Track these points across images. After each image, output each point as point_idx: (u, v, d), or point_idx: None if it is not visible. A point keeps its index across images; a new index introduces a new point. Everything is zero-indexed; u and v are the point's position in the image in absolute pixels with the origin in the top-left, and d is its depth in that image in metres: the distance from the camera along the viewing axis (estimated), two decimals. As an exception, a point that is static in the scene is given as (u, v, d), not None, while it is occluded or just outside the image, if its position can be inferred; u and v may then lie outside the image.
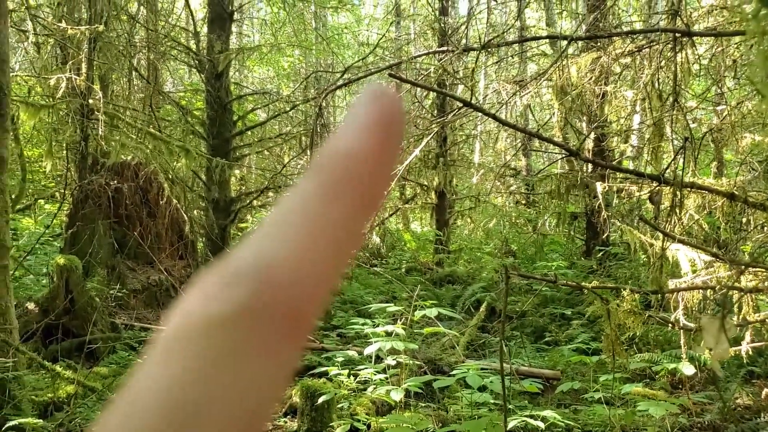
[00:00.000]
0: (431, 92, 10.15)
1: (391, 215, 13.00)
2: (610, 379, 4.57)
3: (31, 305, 5.79)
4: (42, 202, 10.93)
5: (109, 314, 6.05)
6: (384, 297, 8.42)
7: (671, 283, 3.82)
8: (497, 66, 11.52)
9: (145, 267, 6.82)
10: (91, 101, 6.72)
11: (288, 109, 10.74)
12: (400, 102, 0.24)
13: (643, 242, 4.86)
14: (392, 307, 4.50)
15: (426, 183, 11.66)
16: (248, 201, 9.77)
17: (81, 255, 6.22)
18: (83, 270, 5.99)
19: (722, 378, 5.00)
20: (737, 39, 3.99)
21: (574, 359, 5.37)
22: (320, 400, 3.98)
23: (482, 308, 7.87)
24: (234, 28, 11.17)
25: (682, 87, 3.91)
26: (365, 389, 4.57)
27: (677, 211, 3.57)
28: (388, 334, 4.20)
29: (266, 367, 0.20)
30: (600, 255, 8.53)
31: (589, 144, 7.82)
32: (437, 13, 11.25)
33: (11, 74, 4.24)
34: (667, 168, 3.38)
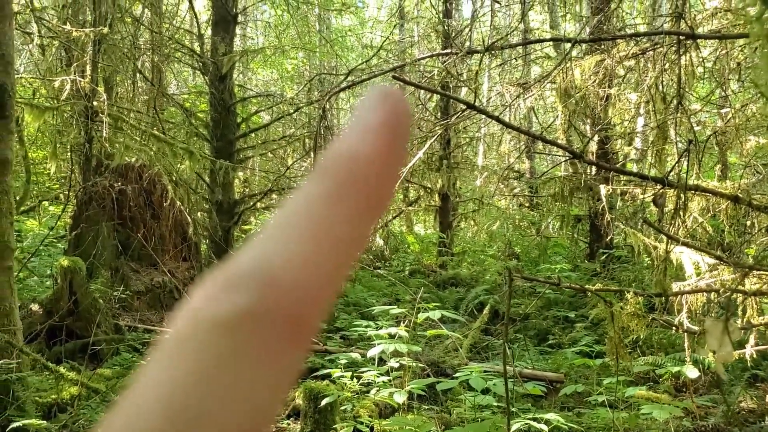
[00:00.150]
0: (435, 95, 10.15)
1: (394, 217, 13.00)
2: (613, 382, 4.56)
3: (35, 307, 5.80)
4: (46, 203, 10.97)
5: (113, 316, 6.06)
6: (387, 299, 8.42)
7: (675, 286, 3.81)
8: (501, 68, 11.52)
9: (148, 269, 6.84)
10: (95, 103, 6.74)
11: (292, 111, 10.76)
12: (405, 103, 0.24)
13: (647, 245, 4.85)
14: (396, 310, 4.50)
15: (429, 185, 11.66)
16: (252, 203, 9.78)
17: (85, 257, 6.23)
18: (87, 272, 6.01)
19: (726, 381, 4.98)
20: (741, 42, 3.99)
21: (578, 362, 5.36)
22: (323, 402, 3.98)
23: (485, 311, 7.86)
24: (238, 31, 11.20)
25: (686, 90, 3.90)
26: (368, 391, 4.57)
27: (681, 213, 3.56)
28: (392, 336, 4.19)
29: (269, 371, 0.20)
30: (603, 258, 8.52)
31: (593, 147, 7.81)
32: (441, 15, 11.25)
33: (16, 76, 4.26)
34: (671, 171, 3.37)
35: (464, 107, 3.97)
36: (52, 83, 6.45)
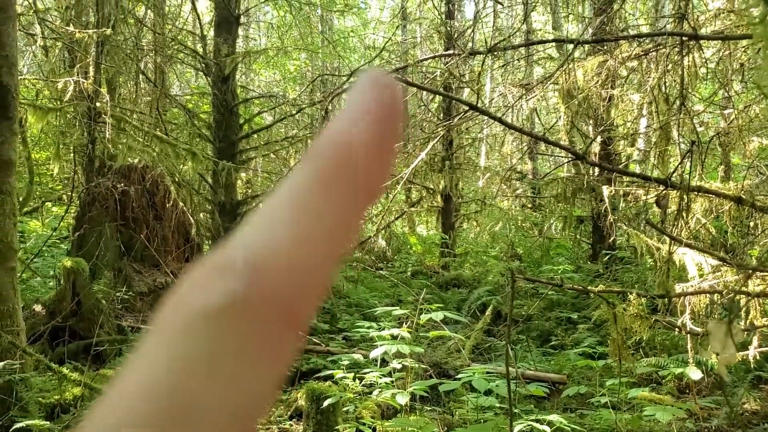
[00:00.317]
0: (437, 96, 10.15)
1: (396, 218, 13.00)
2: (616, 383, 4.55)
3: (38, 307, 5.82)
4: (49, 204, 10.98)
5: (116, 317, 6.07)
6: (389, 300, 8.42)
7: (678, 288, 3.80)
8: (503, 69, 11.52)
9: (151, 270, 6.84)
10: (98, 104, 6.75)
11: (294, 112, 10.76)
12: (396, 87, 0.23)
13: (650, 246, 4.84)
14: (398, 311, 4.50)
15: (432, 186, 11.66)
16: (254, 204, 9.79)
17: (88, 257, 6.24)
18: (90, 272, 6.02)
19: (729, 383, 4.97)
20: (744, 42, 3.98)
21: (581, 363, 5.35)
22: (326, 403, 3.98)
23: (488, 312, 7.86)
24: (241, 32, 11.22)
25: (689, 90, 3.90)
26: (371, 393, 4.57)
27: (684, 215, 3.56)
28: (394, 337, 4.19)
29: (261, 359, 0.19)
30: (606, 259, 8.51)
31: (596, 147, 7.80)
32: (443, 16, 11.25)
33: (19, 77, 4.27)
34: (674, 172, 3.37)
35: (467, 108, 3.97)
36: (56, 84, 6.47)
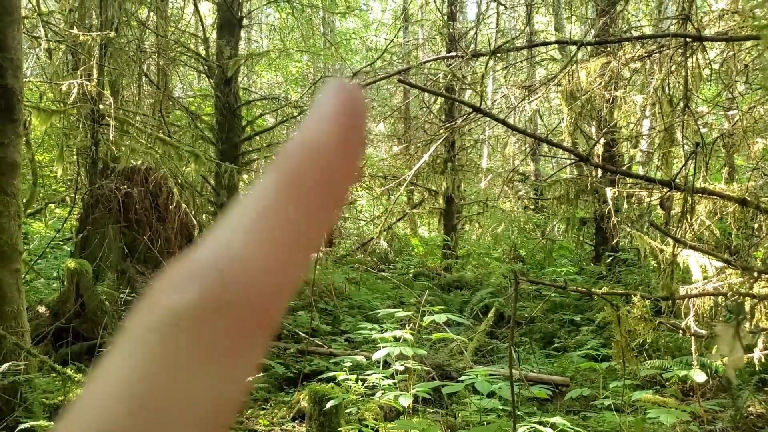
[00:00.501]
0: (439, 97, 10.15)
1: (398, 220, 13.00)
2: (619, 385, 4.54)
3: (41, 309, 5.82)
4: (52, 206, 11.00)
5: (119, 318, 6.07)
6: (392, 302, 8.41)
7: (682, 290, 3.80)
8: (505, 71, 11.52)
9: (154, 271, 6.85)
10: (101, 106, 6.76)
11: (296, 114, 10.77)
12: (360, 94, 0.24)
13: (653, 248, 4.83)
14: (401, 313, 4.50)
15: (434, 188, 11.66)
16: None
17: (91, 259, 6.25)
18: (93, 274, 6.02)
19: (734, 386, 4.96)
20: (749, 43, 3.98)
21: (584, 365, 5.34)
22: (328, 405, 3.98)
23: (490, 314, 7.85)
24: (243, 34, 11.24)
25: (693, 92, 3.89)
26: (373, 394, 4.57)
27: (688, 216, 3.55)
28: (397, 339, 4.19)
29: (230, 361, 0.20)
30: (609, 261, 8.50)
31: (599, 149, 7.79)
32: (446, 18, 11.26)
33: (23, 80, 4.28)
34: (678, 173, 3.36)
35: (470, 110, 3.97)
36: (59, 87, 6.48)
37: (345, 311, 7.84)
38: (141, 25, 8.89)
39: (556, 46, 11.25)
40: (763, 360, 3.50)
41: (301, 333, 6.50)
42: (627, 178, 5.10)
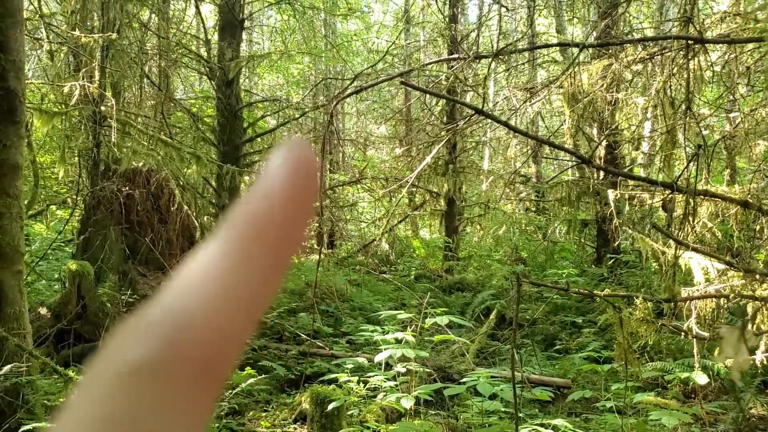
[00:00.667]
0: (440, 99, 10.15)
1: (400, 222, 13.00)
2: (621, 387, 4.54)
3: (43, 310, 5.83)
4: (54, 208, 11.01)
5: (121, 319, 6.07)
6: (393, 304, 8.41)
7: (684, 292, 3.80)
8: (507, 73, 11.53)
9: (156, 273, 6.85)
10: (103, 108, 6.77)
11: (298, 116, 10.79)
12: (312, 158, 0.25)
13: (655, 250, 4.83)
14: (403, 314, 4.50)
15: (435, 190, 11.66)
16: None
17: (93, 261, 6.25)
18: (95, 275, 6.03)
19: (741, 388, 4.95)
20: (750, 46, 3.98)
21: (585, 367, 5.33)
22: (330, 406, 3.98)
23: (492, 316, 7.84)
24: (244, 36, 11.26)
25: (695, 94, 3.89)
26: (375, 396, 4.56)
27: (690, 218, 3.55)
28: (398, 341, 4.19)
29: (178, 415, 0.20)
30: (611, 263, 8.49)
31: (601, 151, 7.79)
32: (447, 20, 11.26)
33: (25, 81, 4.28)
34: (680, 175, 3.36)
35: (472, 112, 3.97)
36: (61, 88, 6.49)
37: (346, 313, 7.84)
38: (143, 27, 8.90)
39: (557, 48, 11.25)
40: (765, 362, 3.50)
41: (302, 335, 6.50)
42: (629, 180, 5.10)
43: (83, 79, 6.50)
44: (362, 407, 4.57)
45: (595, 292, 3.66)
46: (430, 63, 9.09)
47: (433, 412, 4.93)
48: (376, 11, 22.14)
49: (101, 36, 6.62)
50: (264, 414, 5.01)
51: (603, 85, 4.74)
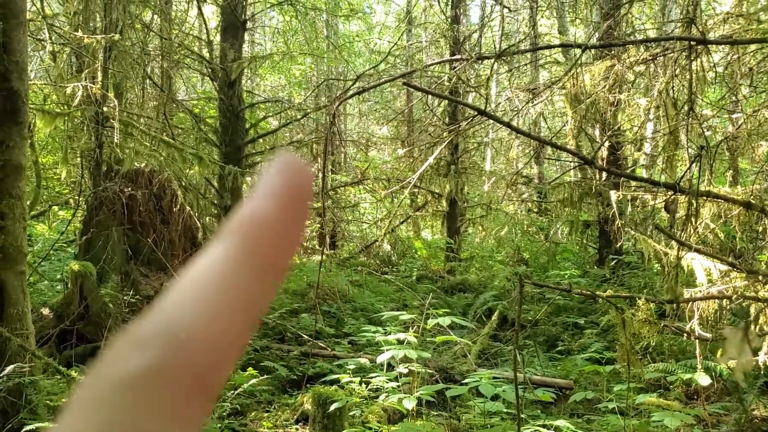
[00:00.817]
0: (442, 100, 10.15)
1: (401, 223, 13.00)
2: (624, 388, 4.53)
3: (45, 311, 5.84)
4: (56, 208, 11.03)
5: (123, 320, 6.08)
6: (395, 305, 8.41)
7: (686, 293, 3.79)
8: (509, 74, 11.53)
9: (158, 273, 6.86)
10: (105, 109, 6.78)
11: (300, 116, 10.80)
12: (307, 170, 0.25)
13: (658, 251, 4.83)
14: (405, 315, 4.50)
15: (437, 191, 11.66)
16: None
17: (95, 261, 6.26)
18: (97, 276, 6.03)
19: (745, 389, 4.94)
20: (753, 47, 3.97)
21: (588, 368, 5.33)
22: (332, 407, 3.98)
23: (494, 317, 7.84)
24: (246, 37, 11.26)
25: (697, 95, 3.89)
26: (377, 397, 4.57)
27: (693, 219, 3.54)
28: (400, 342, 4.19)
29: (171, 426, 0.21)
30: (613, 264, 8.48)
31: (603, 152, 7.78)
32: (449, 21, 11.26)
33: (28, 82, 4.29)
34: (682, 176, 3.36)
35: (474, 113, 3.97)
36: (64, 89, 6.50)
37: (348, 314, 7.84)
38: (145, 28, 8.91)
39: (560, 49, 11.24)
40: (767, 363, 3.49)
41: (304, 335, 6.50)
42: (631, 181, 5.09)
43: (86, 80, 6.51)
44: (364, 408, 4.57)
45: (597, 293, 3.66)
46: (432, 64, 9.09)
47: (435, 413, 4.93)
48: (378, 12, 22.16)
49: (104, 37, 6.63)
50: (266, 414, 5.02)
51: (605, 86, 4.74)
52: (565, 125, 6.15)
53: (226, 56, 9.22)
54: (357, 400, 4.56)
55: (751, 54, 4.22)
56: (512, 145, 12.79)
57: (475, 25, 14.34)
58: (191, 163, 7.90)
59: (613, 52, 4.91)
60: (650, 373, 5.03)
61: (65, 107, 6.76)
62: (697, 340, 3.81)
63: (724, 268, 3.83)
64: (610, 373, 4.93)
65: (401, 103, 15.57)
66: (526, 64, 11.97)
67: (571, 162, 10.26)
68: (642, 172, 10.01)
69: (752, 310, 3.48)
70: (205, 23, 10.16)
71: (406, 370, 4.30)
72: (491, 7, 13.56)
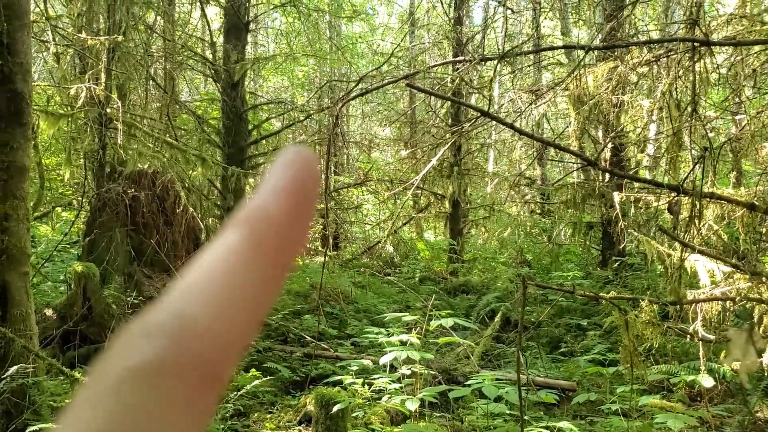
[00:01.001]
0: (445, 101, 10.15)
1: (404, 224, 13.00)
2: (627, 390, 4.52)
3: (49, 312, 5.85)
4: (60, 209, 11.05)
5: (126, 321, 6.09)
6: (398, 306, 8.41)
7: (690, 294, 3.78)
8: (512, 75, 11.52)
9: (161, 274, 6.87)
10: (109, 110, 6.79)
11: (302, 118, 10.80)
12: (314, 163, 0.25)
13: (661, 252, 4.82)
14: (407, 317, 4.50)
15: (440, 192, 11.65)
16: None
17: (98, 262, 6.27)
18: (100, 277, 6.05)
19: (749, 390, 4.92)
20: (756, 48, 3.97)
21: (591, 370, 5.32)
22: (335, 408, 3.98)
23: (497, 318, 7.83)
24: (249, 38, 11.28)
25: (701, 96, 3.88)
26: (380, 398, 4.56)
27: (696, 221, 3.54)
28: (403, 343, 4.19)
29: (180, 417, 0.21)
30: (616, 265, 8.47)
31: (606, 153, 7.77)
32: (452, 22, 11.26)
33: (32, 84, 4.30)
34: (686, 178, 3.35)
35: (477, 114, 3.97)
36: (67, 90, 6.51)
37: (351, 315, 7.84)
38: (148, 30, 8.93)
39: (563, 50, 11.24)
40: (772, 365, 3.48)
41: (307, 337, 6.50)
42: (634, 183, 5.09)
43: (89, 81, 6.52)
44: (367, 409, 4.57)
45: (600, 294, 3.65)
46: (435, 65, 9.09)
47: (437, 415, 4.92)
48: (381, 13, 22.16)
49: (107, 38, 6.65)
50: (269, 416, 5.02)
51: (608, 87, 4.74)
52: (568, 126, 6.15)
53: (229, 57, 9.23)
54: (360, 401, 4.56)
55: (755, 55, 4.21)
56: (515, 147, 12.78)
57: (478, 27, 14.35)
58: (194, 164, 7.91)
59: (616, 53, 4.91)
60: (653, 375, 5.02)
61: (69, 108, 6.78)
62: (700, 342, 3.80)
63: (728, 269, 3.82)
64: (613, 374, 4.92)
65: (404, 104, 15.57)
66: (529, 66, 11.97)
67: (574, 163, 10.25)
68: (645, 174, 10.00)
69: (756, 311, 3.47)
70: (208, 25, 10.18)
71: (408, 372, 4.30)
72: (494, 8, 13.55)
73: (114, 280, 6.48)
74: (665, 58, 4.12)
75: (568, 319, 7.80)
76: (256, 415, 5.01)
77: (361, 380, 4.66)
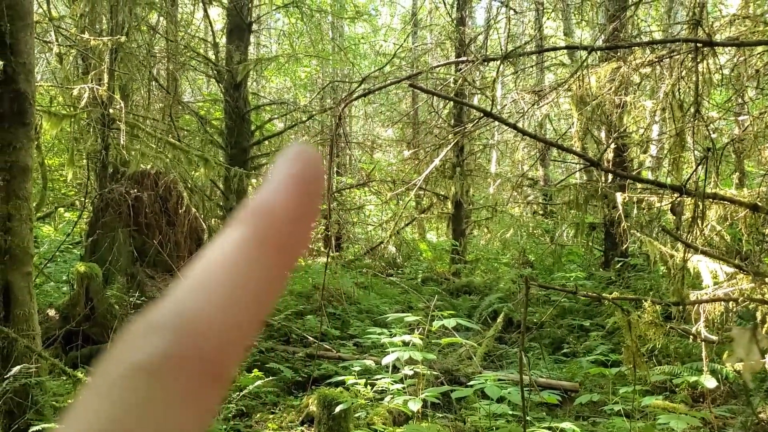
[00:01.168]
0: (448, 102, 10.15)
1: (407, 225, 13.00)
2: (629, 391, 4.51)
3: (51, 312, 5.86)
4: (62, 210, 11.07)
5: (129, 322, 6.10)
6: (400, 307, 8.41)
7: (692, 295, 3.78)
8: (515, 76, 11.53)
9: (164, 275, 6.88)
10: (111, 111, 6.81)
11: (305, 119, 10.81)
12: (318, 161, 0.25)
13: (664, 253, 4.81)
14: (410, 317, 4.49)
15: (443, 192, 11.65)
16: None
17: (101, 263, 6.28)
18: (103, 277, 6.06)
19: (753, 390, 4.91)
20: (760, 49, 3.96)
21: (593, 371, 5.31)
22: (337, 409, 3.98)
23: (499, 319, 7.83)
24: (252, 39, 11.29)
25: (704, 97, 3.88)
26: (382, 399, 4.56)
27: (699, 222, 3.53)
28: (405, 344, 4.19)
29: (185, 412, 0.21)
30: (619, 266, 8.46)
31: (609, 154, 7.77)
32: (455, 23, 11.26)
33: (35, 84, 4.31)
34: (688, 178, 3.35)
35: (480, 114, 3.97)
36: (70, 91, 6.53)
37: (354, 316, 7.84)
38: (151, 30, 8.95)
39: (565, 51, 11.23)
40: (775, 366, 3.47)
41: (309, 337, 6.51)
42: (637, 183, 5.08)
43: (92, 81, 6.54)
44: (369, 410, 4.56)
45: (603, 295, 3.65)
46: (438, 66, 9.09)
47: (440, 415, 4.92)
48: (383, 14, 22.16)
49: (110, 39, 6.66)
50: (271, 416, 5.02)
51: (611, 88, 4.73)
52: (570, 127, 6.14)
53: (231, 58, 9.24)
54: (362, 401, 4.56)
55: (758, 56, 4.20)
56: (518, 147, 12.78)
57: (481, 27, 14.34)
58: (197, 164, 7.93)
59: (619, 54, 4.90)
60: (656, 376, 5.01)
61: (72, 109, 6.79)
62: (703, 343, 3.80)
63: (731, 270, 3.81)
64: (616, 375, 4.91)
65: (407, 105, 15.57)
66: (531, 66, 11.96)
67: (576, 164, 10.24)
68: (648, 175, 9.98)
69: (759, 312, 3.46)
70: (211, 25, 10.19)
71: (411, 372, 4.30)
72: (497, 9, 13.55)
73: (117, 280, 6.50)
74: (668, 59, 4.11)
75: (571, 319, 7.79)
76: (258, 415, 5.01)
77: (364, 381, 4.66)
